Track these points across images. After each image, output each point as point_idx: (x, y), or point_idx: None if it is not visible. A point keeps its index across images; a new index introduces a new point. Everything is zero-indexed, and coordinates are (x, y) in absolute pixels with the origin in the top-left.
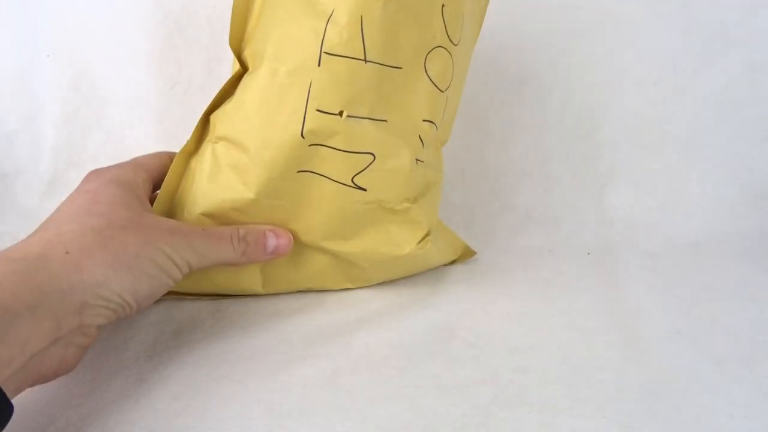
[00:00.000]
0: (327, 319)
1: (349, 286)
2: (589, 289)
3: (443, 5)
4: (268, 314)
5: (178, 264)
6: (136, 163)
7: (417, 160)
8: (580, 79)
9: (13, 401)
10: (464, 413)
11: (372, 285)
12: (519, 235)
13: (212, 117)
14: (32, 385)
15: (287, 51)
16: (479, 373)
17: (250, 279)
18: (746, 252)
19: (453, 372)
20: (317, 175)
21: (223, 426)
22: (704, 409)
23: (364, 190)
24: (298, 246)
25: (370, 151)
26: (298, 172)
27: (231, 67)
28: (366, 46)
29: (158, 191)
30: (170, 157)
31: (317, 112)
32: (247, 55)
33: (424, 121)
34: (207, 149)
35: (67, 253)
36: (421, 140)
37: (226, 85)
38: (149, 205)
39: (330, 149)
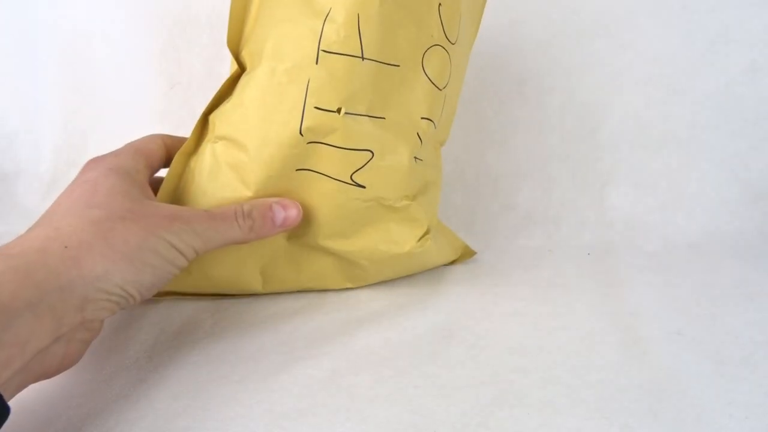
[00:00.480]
0: (327, 319)
1: (349, 285)
2: (589, 290)
3: (440, 4)
4: (268, 314)
5: (182, 251)
6: (134, 149)
7: (415, 158)
8: (580, 79)
9: (13, 402)
10: (464, 413)
11: (372, 285)
12: (519, 235)
13: (211, 117)
14: (34, 382)
15: (285, 49)
16: (479, 373)
17: (251, 279)
18: (746, 252)
19: (453, 372)
20: (316, 174)
21: (224, 426)
22: (704, 410)
23: (363, 187)
24: (298, 245)
25: (368, 148)
26: (297, 170)
27: (230, 67)
28: (363, 43)
29: (157, 179)
30: (163, 139)
31: (315, 109)
32: (245, 55)
33: (422, 118)
34: (206, 148)
35: (65, 247)
36: (420, 138)
37: (224, 85)
38: (150, 191)
39: (328, 147)
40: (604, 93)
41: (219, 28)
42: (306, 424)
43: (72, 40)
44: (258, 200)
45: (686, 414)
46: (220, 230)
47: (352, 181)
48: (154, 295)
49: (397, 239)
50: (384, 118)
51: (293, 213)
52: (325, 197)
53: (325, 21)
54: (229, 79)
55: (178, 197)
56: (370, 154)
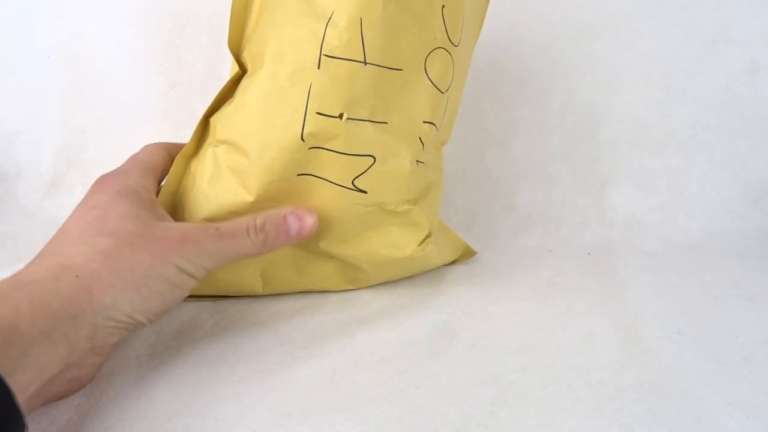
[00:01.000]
0: (328, 319)
1: (350, 287)
2: (589, 290)
3: (443, 6)
4: (268, 314)
5: (192, 274)
6: (142, 166)
7: (417, 161)
8: (580, 80)
9: None
10: (465, 413)
11: (372, 285)
12: (519, 235)
13: (212, 119)
14: (42, 405)
15: (287, 52)
16: (480, 373)
17: (251, 282)
18: (746, 252)
19: (453, 372)
20: (317, 179)
21: (224, 426)
22: (705, 410)
23: (365, 192)
24: (300, 250)
25: (370, 154)
26: (298, 175)
27: (230, 68)
28: (366, 48)
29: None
30: (167, 149)
31: (317, 114)
32: (246, 56)
33: (424, 122)
34: (208, 152)
35: (77, 277)
36: (422, 141)
37: (225, 86)
38: (160, 208)
39: (330, 152)
40: (604, 93)
41: (219, 28)
42: (306, 424)
43: (72, 40)
44: (271, 212)
45: (686, 414)
46: (231, 248)
47: (354, 186)
48: None
49: (398, 243)
50: (386, 122)
51: (309, 222)
52: (326, 202)
53: (327, 25)
54: (230, 81)
55: (178, 200)
56: (372, 160)
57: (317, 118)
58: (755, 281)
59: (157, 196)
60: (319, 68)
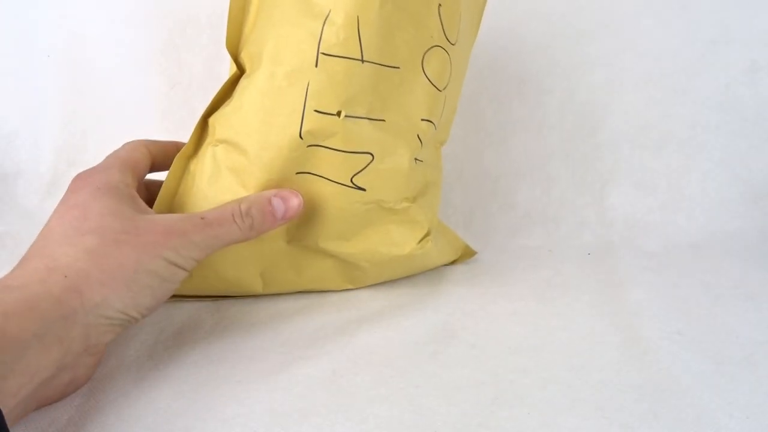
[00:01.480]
0: (327, 319)
1: (350, 287)
2: (589, 290)
3: (440, 5)
4: (268, 314)
5: (181, 265)
6: (120, 162)
7: (416, 159)
8: (580, 79)
9: None
10: (464, 413)
11: (372, 285)
12: (519, 235)
13: (211, 120)
14: (38, 408)
15: (284, 52)
16: (479, 373)
17: (251, 282)
18: (746, 252)
19: (453, 372)
20: (316, 177)
21: (224, 426)
22: (705, 410)
23: (364, 190)
24: (299, 248)
25: (368, 151)
26: (297, 173)
27: (229, 68)
28: (363, 46)
29: (148, 181)
30: (146, 146)
31: (315, 112)
32: (244, 56)
33: (422, 120)
34: (207, 152)
35: (65, 277)
36: (420, 139)
37: (223, 87)
38: (141, 202)
39: (328, 150)
40: (604, 93)
41: (219, 28)
42: (306, 424)
43: (72, 40)
44: (255, 196)
45: (686, 414)
46: (219, 235)
47: (353, 183)
48: None
49: (397, 241)
50: (384, 120)
51: (294, 203)
52: (325, 200)
53: (324, 23)
54: (228, 81)
55: (177, 201)
56: (371, 157)
57: (315, 116)
58: (755, 281)
59: (138, 192)
60: (316, 67)
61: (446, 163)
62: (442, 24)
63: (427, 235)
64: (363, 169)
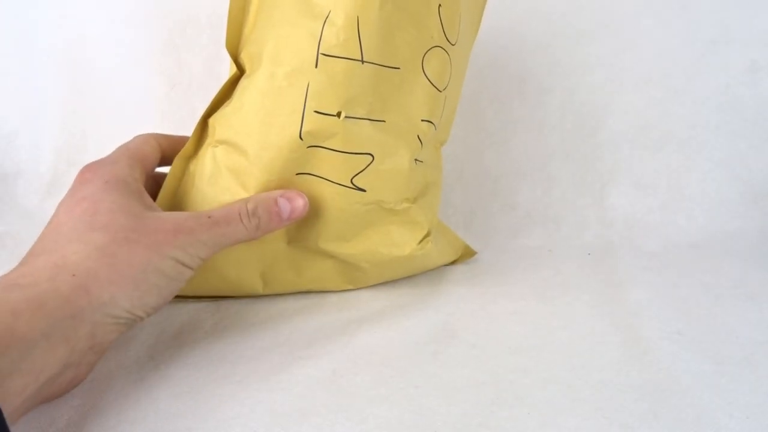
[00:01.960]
0: (328, 319)
1: (350, 287)
2: (589, 290)
3: (440, 5)
4: (268, 314)
5: (188, 264)
6: (129, 155)
7: (416, 160)
8: (580, 79)
9: None
10: (465, 413)
11: (372, 285)
12: (519, 235)
13: (211, 120)
14: (40, 404)
15: (284, 53)
16: (480, 373)
17: (251, 282)
18: (746, 252)
19: (453, 372)
20: (316, 178)
21: (224, 426)
22: (705, 410)
23: (364, 190)
24: (299, 249)
25: (368, 152)
26: (297, 174)
27: (229, 68)
28: (363, 46)
29: (157, 174)
30: (156, 139)
31: (315, 113)
32: (244, 57)
33: (422, 120)
34: (207, 153)
35: (73, 276)
36: (420, 140)
37: (223, 87)
38: (149, 198)
39: (329, 151)
40: (604, 93)
41: (219, 28)
42: (306, 424)
43: (72, 40)
44: (261, 196)
45: (686, 414)
46: (226, 234)
47: (353, 184)
48: None
49: (397, 242)
50: (384, 121)
51: (300, 204)
52: (325, 201)
53: (324, 24)
54: (228, 82)
55: (177, 201)
56: (371, 158)
57: (315, 117)
58: (755, 281)
59: (145, 186)
60: (316, 67)
61: (447, 163)
62: (442, 24)
63: (427, 235)
64: (363, 170)
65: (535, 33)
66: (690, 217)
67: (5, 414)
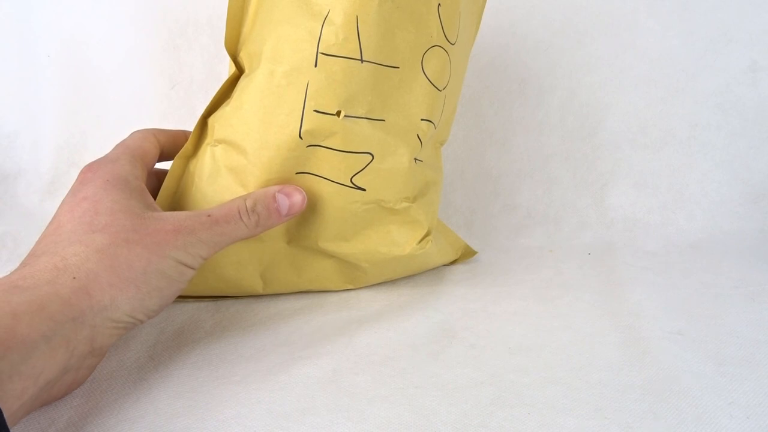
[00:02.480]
0: (327, 319)
1: (350, 287)
2: (589, 290)
3: (439, 5)
4: (268, 314)
5: (189, 264)
6: (130, 153)
7: (416, 159)
8: (580, 79)
9: None
10: (465, 413)
11: (372, 285)
12: (519, 235)
13: (210, 120)
14: (39, 407)
15: (284, 52)
16: (480, 373)
17: (251, 282)
18: (746, 252)
19: (453, 372)
20: (316, 177)
21: (224, 426)
22: (705, 410)
23: (363, 190)
24: (299, 249)
25: (368, 151)
26: (297, 173)
27: (228, 68)
28: (362, 46)
29: (156, 170)
30: (155, 135)
31: (315, 112)
32: (243, 56)
33: (422, 120)
34: (206, 152)
35: (74, 278)
36: (420, 139)
37: (222, 87)
38: (149, 197)
39: (328, 150)
40: (604, 93)
41: (219, 28)
42: (306, 424)
43: (72, 40)
44: (259, 192)
45: (686, 414)
46: (225, 233)
47: (352, 183)
48: None
49: (397, 241)
50: (384, 120)
51: (298, 199)
52: (325, 200)
53: (323, 23)
54: (227, 82)
55: (177, 200)
56: (370, 157)
57: (315, 116)
58: (755, 281)
59: (146, 183)
60: (316, 66)
61: (447, 163)
62: (441, 24)
63: (427, 235)
64: (363, 169)
65: (535, 33)
66: (690, 217)
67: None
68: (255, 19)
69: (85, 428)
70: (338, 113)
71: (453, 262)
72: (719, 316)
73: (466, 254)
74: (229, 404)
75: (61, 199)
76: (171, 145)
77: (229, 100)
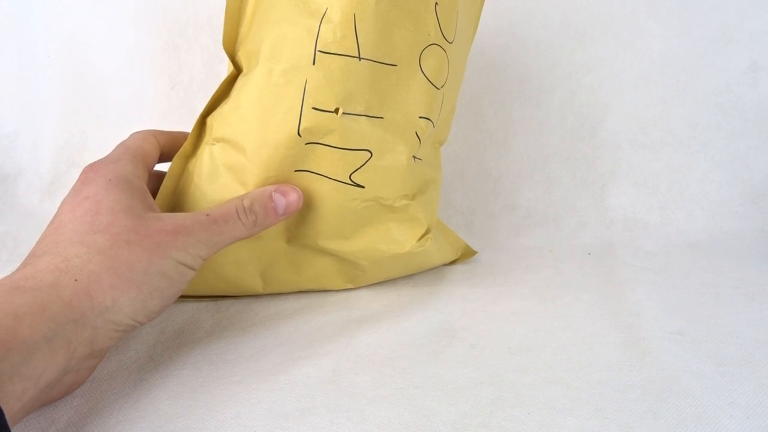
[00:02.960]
0: (327, 319)
1: (350, 286)
2: (589, 290)
3: (436, 3)
4: (268, 314)
5: (189, 264)
6: (131, 153)
7: (414, 157)
8: (580, 79)
9: None
10: (465, 413)
11: (372, 285)
12: (519, 235)
13: (209, 119)
14: (38, 408)
15: (282, 50)
16: (480, 373)
17: (251, 282)
18: (746, 252)
19: (453, 372)
20: (315, 175)
21: (224, 426)
22: (705, 410)
23: (362, 187)
24: (298, 247)
25: (366, 148)
26: (296, 171)
27: (227, 68)
28: (360, 43)
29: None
30: (155, 136)
31: (313, 110)
32: (242, 55)
33: (420, 117)
34: (205, 151)
35: (76, 280)
36: (418, 137)
37: (221, 86)
38: (150, 197)
39: (327, 147)
40: (604, 93)
41: (219, 28)
42: (306, 424)
43: (72, 40)
44: (256, 192)
45: (686, 414)
46: (224, 232)
47: (351, 181)
48: None
49: (396, 239)
50: (382, 117)
51: (294, 198)
52: (324, 198)
53: (321, 21)
54: (225, 81)
55: (176, 200)
56: (369, 154)
57: (313, 114)
58: (755, 281)
59: (147, 184)
60: (314, 64)
61: (448, 163)
62: (439, 22)
63: (426, 233)
64: (361, 166)
65: (535, 33)
66: (690, 217)
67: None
68: (253, 18)
69: (85, 428)
70: (336, 111)
71: (453, 262)
72: (719, 316)
73: (466, 254)
74: (229, 404)
75: (62, 199)
76: (171, 146)
77: (227, 99)
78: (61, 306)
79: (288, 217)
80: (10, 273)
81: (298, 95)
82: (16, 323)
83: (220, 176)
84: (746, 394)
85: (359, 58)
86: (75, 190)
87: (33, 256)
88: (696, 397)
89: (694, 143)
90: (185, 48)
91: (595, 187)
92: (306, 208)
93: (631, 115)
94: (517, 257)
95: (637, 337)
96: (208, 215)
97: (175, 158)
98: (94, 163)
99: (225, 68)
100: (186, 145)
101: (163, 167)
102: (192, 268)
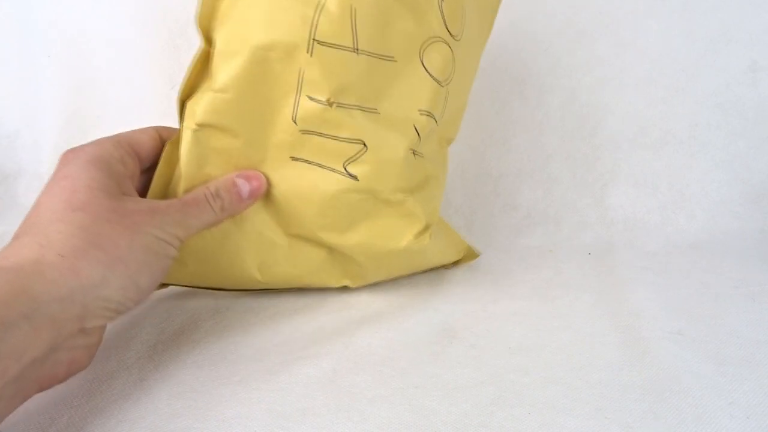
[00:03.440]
0: (328, 319)
1: (348, 282)
2: (589, 290)
3: None
4: (268, 314)
5: (168, 241)
6: (117, 138)
7: (413, 152)
8: (580, 79)
9: None
10: (465, 413)
11: (372, 285)
12: (520, 235)
13: (190, 103)
14: (41, 389)
15: (277, 37)
16: (480, 373)
17: (249, 274)
18: (747, 252)
19: (454, 372)
20: (310, 164)
21: (224, 426)
22: (705, 410)
23: (357, 179)
24: (295, 238)
25: (360, 139)
26: (292, 159)
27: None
28: (357, 35)
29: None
30: (157, 131)
31: (308, 98)
32: (222, 34)
33: (420, 112)
34: (189, 136)
35: (60, 255)
36: (417, 131)
37: (194, 67)
38: (128, 183)
39: (321, 137)
40: (604, 93)
41: None
42: (306, 424)
43: (72, 40)
44: (222, 179)
45: (686, 414)
46: (195, 216)
47: (346, 171)
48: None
49: (393, 234)
50: (377, 110)
51: (256, 183)
52: (318, 187)
53: (319, 11)
54: (198, 60)
55: (171, 186)
56: (363, 145)
57: (308, 103)
58: (756, 281)
59: (143, 172)
60: (310, 54)
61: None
62: (443, 17)
63: (425, 229)
64: (356, 157)
65: (535, 33)
66: (690, 217)
67: None
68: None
69: (85, 428)
70: (330, 101)
71: (455, 264)
72: (719, 316)
73: (469, 256)
74: (230, 404)
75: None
76: None
77: (210, 82)
78: (44, 284)
79: (254, 202)
80: None
81: (294, 83)
82: None
83: (210, 161)
84: (746, 394)
85: (356, 50)
86: (53, 173)
87: (15, 238)
88: (696, 397)
89: (694, 143)
90: (185, 48)
91: (596, 187)
92: (301, 197)
93: (631, 115)
94: (517, 257)
95: (637, 337)
96: (180, 199)
97: (167, 145)
98: (75, 147)
99: None
100: (178, 133)
101: None
102: (171, 245)
